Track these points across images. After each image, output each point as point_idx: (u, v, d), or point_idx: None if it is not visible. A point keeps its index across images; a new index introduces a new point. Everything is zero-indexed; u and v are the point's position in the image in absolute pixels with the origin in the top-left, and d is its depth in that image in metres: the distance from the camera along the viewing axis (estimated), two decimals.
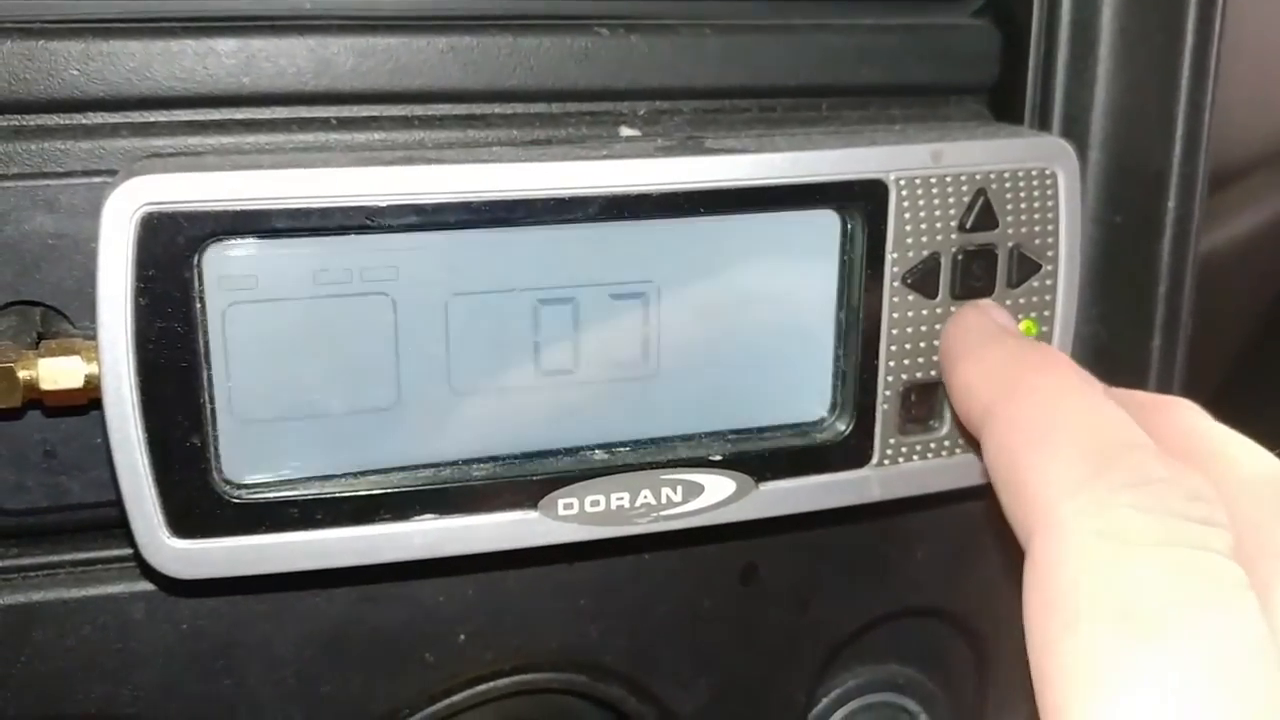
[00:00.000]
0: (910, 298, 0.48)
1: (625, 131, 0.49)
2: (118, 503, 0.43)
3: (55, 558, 0.49)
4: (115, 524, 0.46)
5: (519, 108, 0.49)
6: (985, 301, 0.48)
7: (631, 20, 0.49)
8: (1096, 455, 0.35)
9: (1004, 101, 0.55)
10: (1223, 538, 0.33)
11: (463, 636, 0.53)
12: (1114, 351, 0.56)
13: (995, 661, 0.63)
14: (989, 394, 0.42)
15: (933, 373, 0.49)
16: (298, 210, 0.41)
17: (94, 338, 0.42)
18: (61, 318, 0.46)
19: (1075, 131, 0.54)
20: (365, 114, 0.47)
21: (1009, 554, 0.60)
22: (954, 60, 0.54)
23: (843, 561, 0.57)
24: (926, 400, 0.49)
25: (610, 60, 0.49)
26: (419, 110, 0.48)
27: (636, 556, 0.54)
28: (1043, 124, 0.54)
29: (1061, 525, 0.34)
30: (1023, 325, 0.50)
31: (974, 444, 0.46)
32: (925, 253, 0.47)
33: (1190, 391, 0.56)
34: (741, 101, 0.51)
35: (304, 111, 0.47)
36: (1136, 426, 0.37)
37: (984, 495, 0.52)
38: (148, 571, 0.47)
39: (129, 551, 0.47)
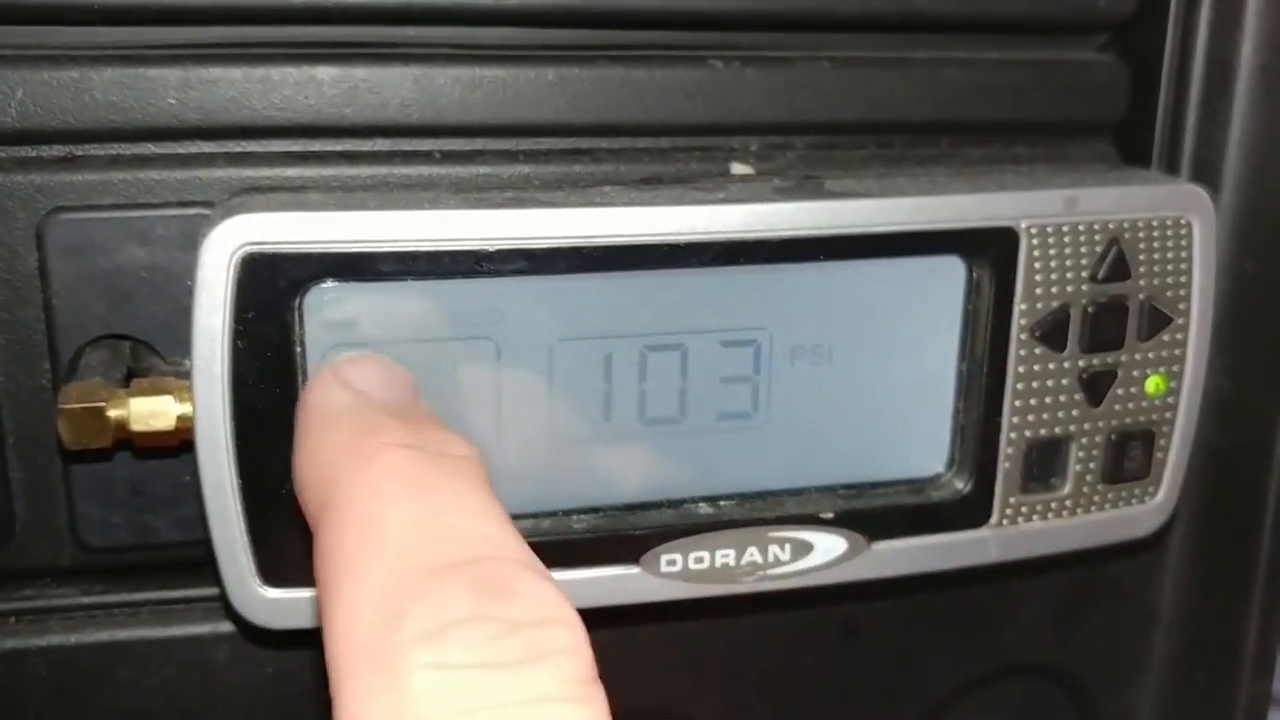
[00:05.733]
0: (1037, 351, 0.45)
1: (737, 168, 0.47)
2: (204, 542, 0.42)
3: (140, 596, 0.48)
4: (201, 563, 0.45)
5: (628, 142, 0.47)
6: (348, 357, 0.39)
7: (746, 52, 0.47)
8: (400, 593, 0.28)
9: (1131, 140, 0.52)
10: (559, 671, 0.27)
11: None
12: (1240, 404, 0.53)
13: None
14: (311, 498, 0.33)
15: (1058, 430, 0.46)
16: (404, 254, 0.39)
17: (185, 374, 0.41)
18: (152, 352, 0.44)
19: (1206, 174, 0.51)
20: (469, 147, 0.46)
21: (1116, 612, 0.58)
22: (1080, 97, 0.51)
23: (947, 618, 0.55)
24: (1049, 458, 0.47)
25: (723, 93, 0.47)
26: (525, 144, 0.46)
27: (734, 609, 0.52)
28: (1171, 165, 0.52)
29: (354, 701, 0.27)
30: (1151, 380, 0.47)
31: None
32: (1055, 304, 0.45)
33: None
34: (859, 137, 0.49)
35: (406, 144, 0.45)
36: (480, 525, 0.30)
37: (1095, 554, 0.50)
38: (232, 613, 0.45)
39: (214, 592, 0.46)
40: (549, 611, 0.28)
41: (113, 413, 0.41)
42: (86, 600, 0.47)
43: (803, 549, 0.45)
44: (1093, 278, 0.45)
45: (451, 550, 0.29)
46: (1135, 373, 0.47)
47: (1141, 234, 0.46)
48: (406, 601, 0.27)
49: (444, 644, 0.27)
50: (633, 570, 0.44)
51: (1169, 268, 0.46)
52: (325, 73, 0.44)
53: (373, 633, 0.27)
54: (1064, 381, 0.46)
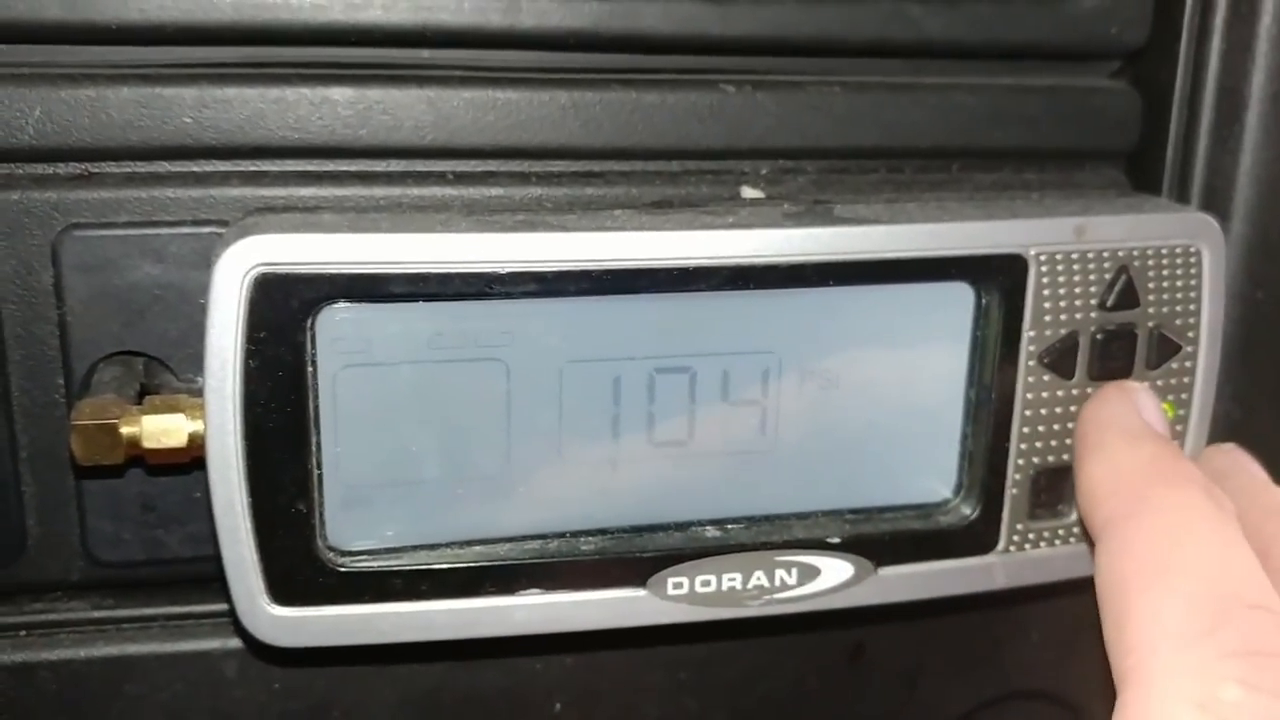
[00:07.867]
0: (1046, 378, 0.45)
1: (747, 192, 0.47)
2: (214, 558, 0.42)
3: (150, 611, 0.48)
4: (210, 579, 0.45)
5: (639, 165, 0.47)
6: (1133, 385, 0.45)
7: (758, 77, 0.47)
8: (1211, 608, 0.33)
9: (1142, 167, 0.52)
10: None
11: (558, 706, 0.51)
12: (1248, 432, 0.53)
13: None
14: (1112, 503, 0.39)
15: (1065, 456, 0.46)
16: (416, 275, 0.39)
17: (198, 392, 0.41)
18: (165, 369, 0.45)
19: (1216, 201, 0.51)
20: (482, 169, 0.46)
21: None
22: (1091, 124, 0.51)
23: (953, 642, 0.55)
24: (1058, 485, 0.47)
25: (734, 118, 0.47)
26: (537, 167, 0.46)
27: (741, 633, 0.52)
28: (1181, 192, 0.52)
29: (1157, 683, 0.32)
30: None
31: (1089, 538, 0.44)
32: (1063, 331, 0.45)
33: None
34: (869, 162, 0.49)
35: (420, 165, 0.45)
36: (1263, 576, 0.34)
37: None
38: (241, 629, 0.45)
39: (223, 607, 0.46)
40: None
41: (125, 429, 0.41)
42: (97, 614, 0.48)
43: (809, 573, 0.45)
44: (1101, 305, 0.45)
45: (1253, 589, 0.33)
46: None
47: (1151, 262, 0.46)
48: (1221, 618, 0.32)
49: (1255, 667, 0.30)
50: (639, 593, 0.44)
51: (1178, 296, 0.46)
52: (340, 94, 0.44)
53: (1183, 631, 0.32)
54: (1072, 409, 0.46)
